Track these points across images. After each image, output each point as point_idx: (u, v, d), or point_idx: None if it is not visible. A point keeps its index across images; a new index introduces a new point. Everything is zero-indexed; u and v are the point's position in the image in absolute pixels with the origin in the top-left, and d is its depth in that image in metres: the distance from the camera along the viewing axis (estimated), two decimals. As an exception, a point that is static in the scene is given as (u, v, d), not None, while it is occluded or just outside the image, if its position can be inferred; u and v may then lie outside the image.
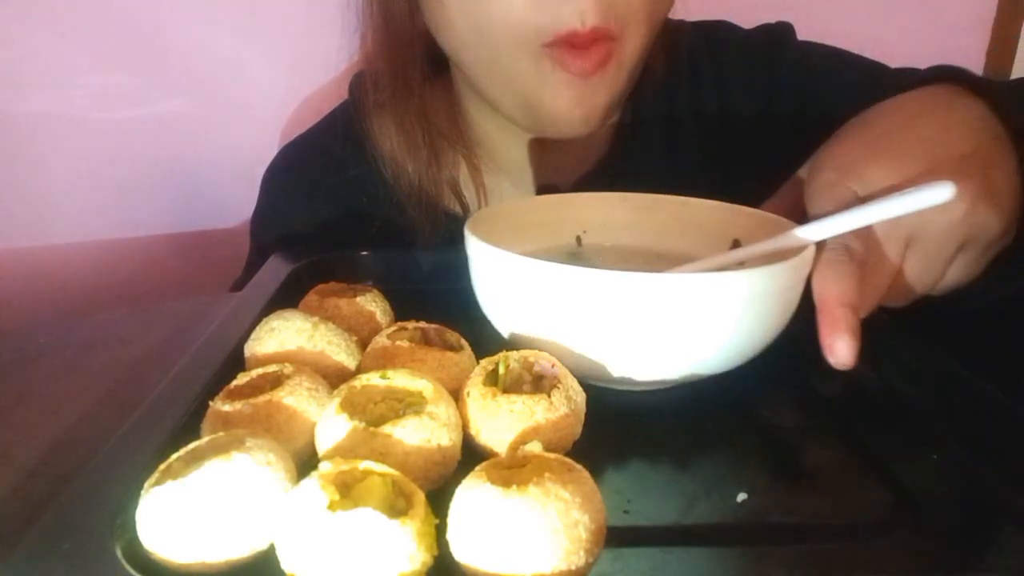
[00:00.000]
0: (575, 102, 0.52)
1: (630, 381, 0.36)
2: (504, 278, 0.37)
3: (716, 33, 0.67)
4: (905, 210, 0.34)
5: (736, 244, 0.45)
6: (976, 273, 0.40)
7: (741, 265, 0.40)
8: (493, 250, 0.37)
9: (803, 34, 0.66)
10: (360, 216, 0.65)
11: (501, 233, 0.44)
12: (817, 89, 0.62)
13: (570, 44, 0.49)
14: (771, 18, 0.67)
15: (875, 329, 0.42)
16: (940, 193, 0.33)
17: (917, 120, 0.41)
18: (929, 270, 0.38)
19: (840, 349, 0.34)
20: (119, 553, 0.24)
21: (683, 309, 0.33)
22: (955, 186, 0.33)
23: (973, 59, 1.13)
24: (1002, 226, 0.38)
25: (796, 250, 0.36)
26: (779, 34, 0.66)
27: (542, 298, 0.35)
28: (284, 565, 0.24)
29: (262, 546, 0.25)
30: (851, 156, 0.40)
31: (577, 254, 0.50)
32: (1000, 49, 1.08)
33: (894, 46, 0.61)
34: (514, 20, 0.49)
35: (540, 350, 0.35)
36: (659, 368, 0.36)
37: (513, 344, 0.37)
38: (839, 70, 0.63)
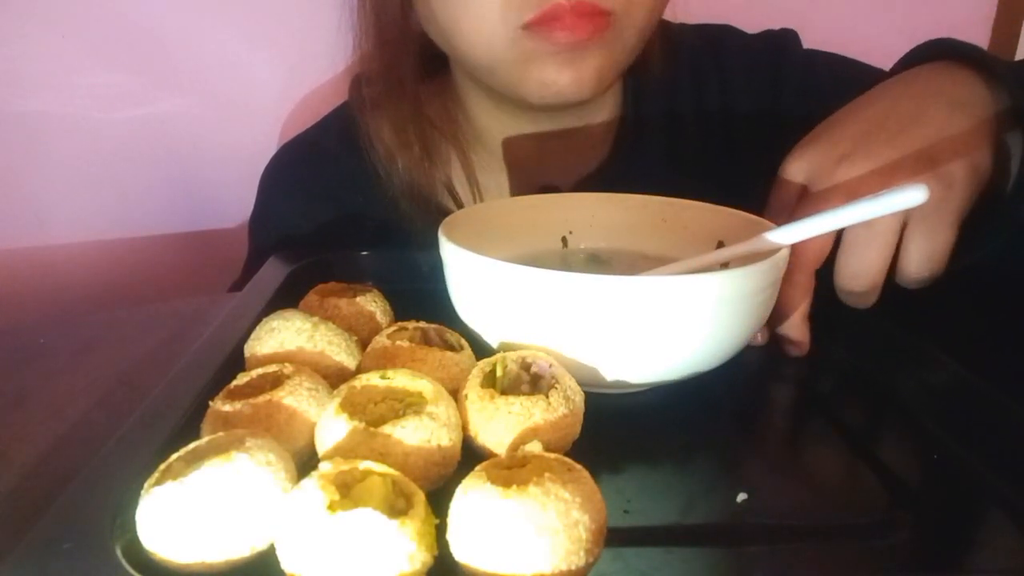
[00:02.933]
0: (563, 66, 0.51)
1: (607, 384, 0.36)
2: (481, 284, 0.37)
3: (720, 36, 0.67)
4: (880, 212, 0.35)
5: (720, 245, 0.45)
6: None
7: (725, 266, 0.40)
8: (468, 254, 0.37)
9: (803, 33, 0.66)
10: (356, 213, 0.65)
11: (483, 235, 0.43)
12: (821, 95, 0.62)
13: (555, 18, 0.49)
14: (773, 18, 0.67)
15: (877, 330, 0.42)
16: (914, 195, 0.34)
17: (895, 111, 0.43)
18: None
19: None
20: (119, 553, 0.24)
21: (656, 311, 0.33)
22: (927, 188, 0.34)
23: (973, 59, 1.13)
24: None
25: (774, 251, 0.37)
26: (783, 40, 0.66)
27: (520, 303, 0.35)
28: (284, 565, 0.24)
29: (262, 546, 0.25)
30: (823, 159, 0.43)
31: (563, 256, 0.50)
32: (1000, 49, 1.08)
33: (894, 46, 0.61)
34: (490, 12, 0.49)
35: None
36: (637, 370, 0.36)
37: (501, 347, 0.37)
38: (843, 78, 0.62)
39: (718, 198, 0.47)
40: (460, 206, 0.66)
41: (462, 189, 0.66)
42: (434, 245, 0.40)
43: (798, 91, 0.64)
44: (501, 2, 0.49)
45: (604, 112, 0.65)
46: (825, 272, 0.41)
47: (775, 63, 0.65)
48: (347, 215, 0.66)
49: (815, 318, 0.42)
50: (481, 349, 0.38)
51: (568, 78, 0.51)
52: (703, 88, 0.66)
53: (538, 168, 0.66)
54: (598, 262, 0.48)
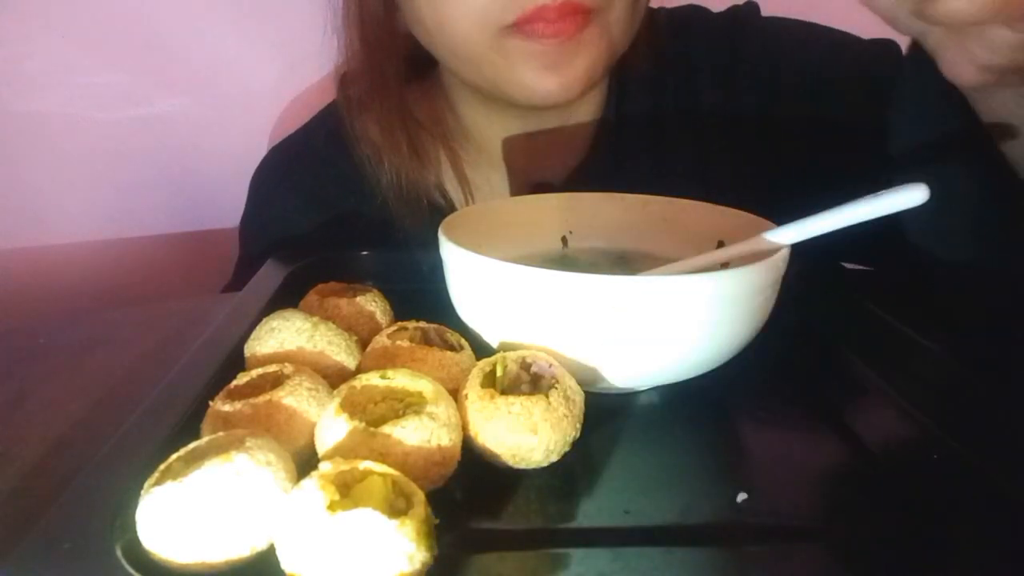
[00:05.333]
0: (548, 67, 0.51)
1: (607, 384, 0.36)
2: (481, 284, 0.37)
3: (686, 21, 0.66)
4: (881, 212, 0.34)
5: (721, 245, 0.45)
6: None
7: (725, 266, 0.40)
8: (468, 254, 0.37)
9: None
10: (347, 213, 0.66)
11: (483, 235, 0.43)
12: (784, 64, 0.61)
13: (541, 19, 0.49)
14: (774, 12, 0.67)
15: (879, 328, 0.42)
16: (916, 195, 0.32)
17: None
18: None
19: None
20: (119, 553, 0.24)
21: (656, 311, 0.33)
22: (927, 188, 0.32)
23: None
24: None
25: (774, 251, 0.37)
26: (741, 16, 0.64)
27: (520, 303, 0.35)
28: (284, 565, 0.24)
29: (262, 546, 0.25)
30: None
31: (563, 256, 0.50)
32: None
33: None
34: (473, 11, 0.49)
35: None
36: (637, 370, 0.36)
37: (501, 347, 0.37)
38: (805, 42, 0.61)
39: (710, 189, 0.47)
40: (450, 205, 0.66)
41: (452, 188, 0.66)
42: (434, 245, 0.40)
43: (760, 64, 0.62)
44: (485, 2, 0.49)
45: (592, 107, 0.65)
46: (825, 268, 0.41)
47: (734, 39, 0.63)
48: (338, 215, 0.66)
49: (814, 312, 0.42)
50: (481, 349, 0.38)
51: (555, 82, 0.51)
52: (680, 78, 0.65)
53: (529, 165, 0.65)
54: (623, 263, 0.48)
